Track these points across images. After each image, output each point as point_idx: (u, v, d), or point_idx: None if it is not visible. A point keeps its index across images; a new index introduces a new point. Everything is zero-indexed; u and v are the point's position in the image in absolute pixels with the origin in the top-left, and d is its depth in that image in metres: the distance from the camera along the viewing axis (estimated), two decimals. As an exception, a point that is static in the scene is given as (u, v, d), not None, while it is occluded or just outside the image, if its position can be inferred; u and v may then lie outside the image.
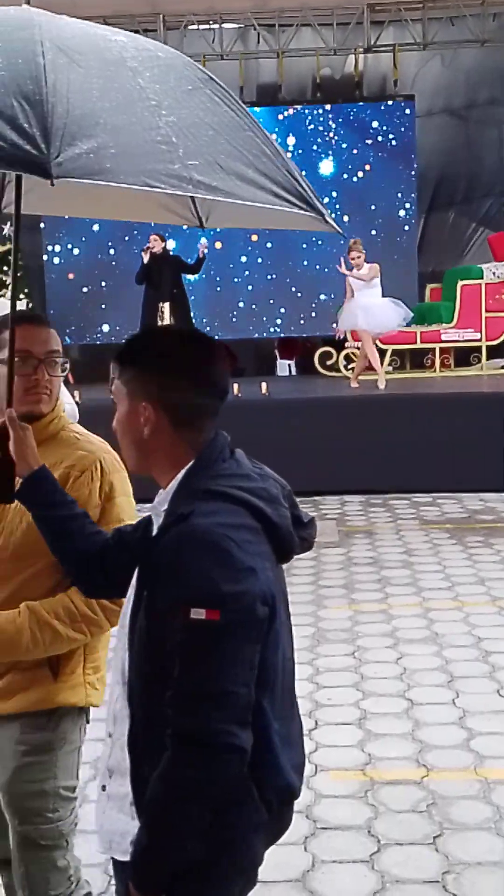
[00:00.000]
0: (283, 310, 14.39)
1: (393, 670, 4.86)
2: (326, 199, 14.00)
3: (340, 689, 4.64)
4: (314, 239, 14.04)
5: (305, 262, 14.18)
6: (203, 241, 11.53)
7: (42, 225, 14.24)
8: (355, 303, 10.35)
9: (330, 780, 3.74)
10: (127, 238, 13.88)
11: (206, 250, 11.48)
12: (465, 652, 5.03)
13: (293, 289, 14.26)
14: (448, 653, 5.05)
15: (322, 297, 14.06)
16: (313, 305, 14.22)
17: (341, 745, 4.05)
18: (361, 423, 9.45)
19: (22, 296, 13.59)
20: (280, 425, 9.52)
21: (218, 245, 13.63)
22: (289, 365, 14.80)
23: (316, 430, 9.46)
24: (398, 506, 8.83)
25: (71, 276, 14.30)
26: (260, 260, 14.28)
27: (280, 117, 14.06)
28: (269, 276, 14.31)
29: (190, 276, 12.01)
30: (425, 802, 3.54)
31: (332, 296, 13.60)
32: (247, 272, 14.31)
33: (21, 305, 13.05)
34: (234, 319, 14.38)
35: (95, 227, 14.19)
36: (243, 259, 14.26)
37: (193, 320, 12.01)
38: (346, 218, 13.95)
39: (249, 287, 14.35)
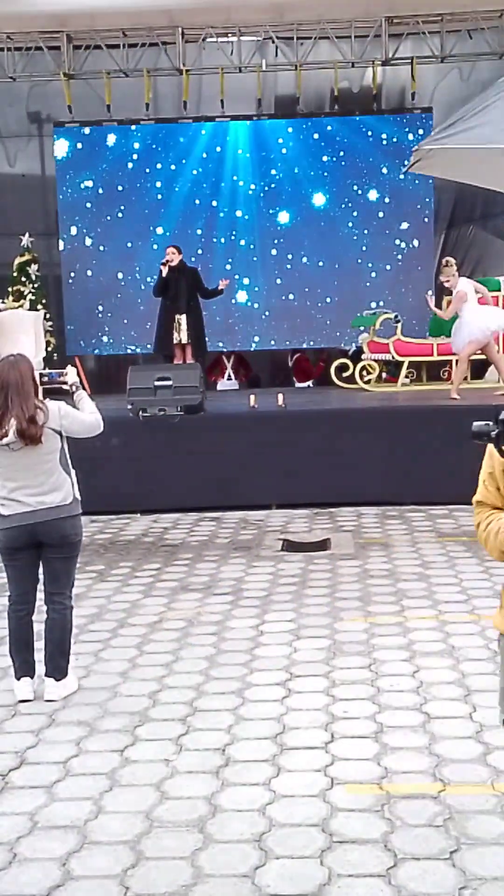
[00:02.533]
0: (298, 321, 14.37)
1: (409, 683, 4.84)
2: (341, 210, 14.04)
3: (356, 702, 4.61)
4: (326, 251, 14.06)
5: (321, 273, 14.19)
6: (226, 280, 11.72)
7: (59, 234, 14.31)
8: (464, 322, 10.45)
9: (346, 794, 3.72)
10: (144, 249, 13.93)
11: (225, 286, 11.67)
12: (482, 665, 5.00)
13: (308, 301, 14.24)
14: (465, 666, 5.03)
15: (336, 310, 14.04)
16: (329, 318, 14.20)
17: (357, 758, 4.03)
18: (378, 434, 9.45)
19: (40, 306, 13.66)
20: (296, 437, 9.52)
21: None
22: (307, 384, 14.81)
23: (332, 442, 9.45)
24: (414, 518, 8.81)
25: (89, 285, 14.33)
26: (276, 272, 14.28)
27: (290, 130, 14.06)
28: (284, 289, 14.30)
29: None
30: (442, 817, 3.52)
31: (347, 306, 13.60)
32: (262, 284, 14.31)
33: (39, 314, 13.04)
34: (248, 330, 14.38)
35: (113, 237, 14.24)
36: (258, 271, 14.27)
37: (207, 331, 12.02)
38: (365, 231, 14.01)
39: (264, 299, 14.35)
